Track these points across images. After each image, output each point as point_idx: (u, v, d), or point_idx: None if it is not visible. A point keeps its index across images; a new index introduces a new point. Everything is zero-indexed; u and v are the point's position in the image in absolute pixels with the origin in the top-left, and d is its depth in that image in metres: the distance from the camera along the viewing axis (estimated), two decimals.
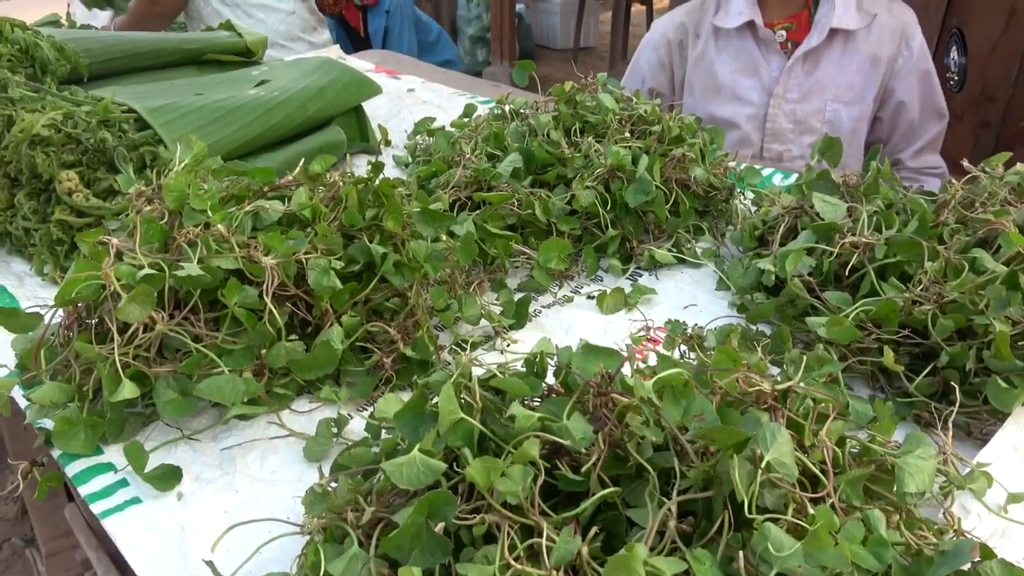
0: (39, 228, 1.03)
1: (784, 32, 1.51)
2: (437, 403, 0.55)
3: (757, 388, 0.57)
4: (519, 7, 6.64)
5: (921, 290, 0.74)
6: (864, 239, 0.78)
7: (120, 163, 1.04)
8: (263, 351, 0.71)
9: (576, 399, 0.57)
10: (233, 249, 0.72)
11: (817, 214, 0.87)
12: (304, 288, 0.76)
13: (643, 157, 1.03)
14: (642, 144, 1.10)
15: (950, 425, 0.64)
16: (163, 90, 1.28)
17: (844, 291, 0.81)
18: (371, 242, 0.80)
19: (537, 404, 0.61)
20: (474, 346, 0.84)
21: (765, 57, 1.52)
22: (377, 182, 0.83)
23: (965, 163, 0.95)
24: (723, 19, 1.52)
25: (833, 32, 1.46)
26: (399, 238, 0.82)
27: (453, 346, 0.83)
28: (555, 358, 0.64)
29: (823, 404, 0.59)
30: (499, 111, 1.28)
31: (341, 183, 0.83)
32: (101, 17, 2.62)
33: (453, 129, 1.27)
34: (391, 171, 1.34)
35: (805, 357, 0.65)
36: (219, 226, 0.73)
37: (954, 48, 3.20)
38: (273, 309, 0.69)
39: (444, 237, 0.88)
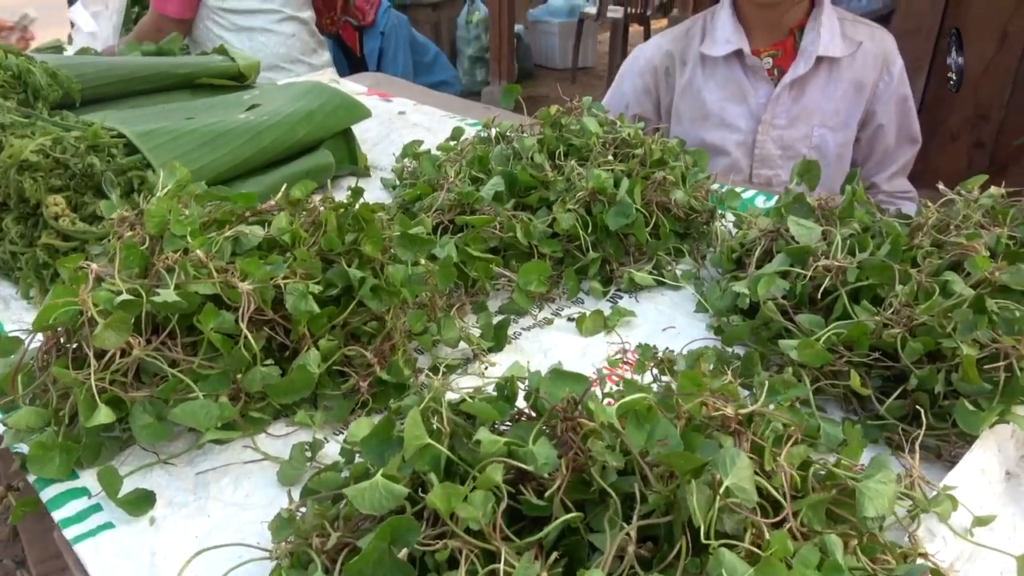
0: (25, 252, 1.05)
1: (770, 59, 1.53)
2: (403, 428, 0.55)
3: (721, 412, 0.57)
4: (518, 28, 6.71)
5: (892, 313, 0.74)
6: (837, 262, 0.79)
7: (107, 188, 1.05)
8: (239, 376, 0.72)
9: (543, 424, 0.58)
10: (211, 274, 0.73)
11: (792, 237, 0.88)
12: (282, 312, 0.77)
13: (624, 180, 1.04)
14: (624, 167, 1.12)
15: (917, 448, 0.65)
16: (154, 114, 1.30)
17: (818, 314, 0.82)
18: (350, 266, 0.81)
19: (507, 429, 0.62)
20: (451, 369, 0.85)
21: (752, 84, 1.54)
22: (357, 206, 0.85)
23: (941, 186, 0.96)
24: (710, 47, 1.54)
25: (819, 60, 1.48)
26: (378, 262, 0.83)
27: (428, 370, 0.84)
28: (526, 382, 0.64)
29: (792, 428, 0.59)
30: (485, 134, 1.29)
31: (321, 208, 0.84)
32: (101, 38, 2.66)
33: (439, 152, 1.28)
34: (379, 194, 1.35)
35: (769, 380, 0.66)
36: (198, 251, 0.75)
37: (953, 49, 3.23)
38: (248, 334, 0.70)
39: (424, 260, 0.89)
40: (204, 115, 1.33)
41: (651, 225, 1.04)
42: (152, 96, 1.45)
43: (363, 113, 1.45)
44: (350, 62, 3.87)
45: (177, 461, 0.73)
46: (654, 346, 0.85)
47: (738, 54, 1.52)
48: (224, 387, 0.70)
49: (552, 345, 0.92)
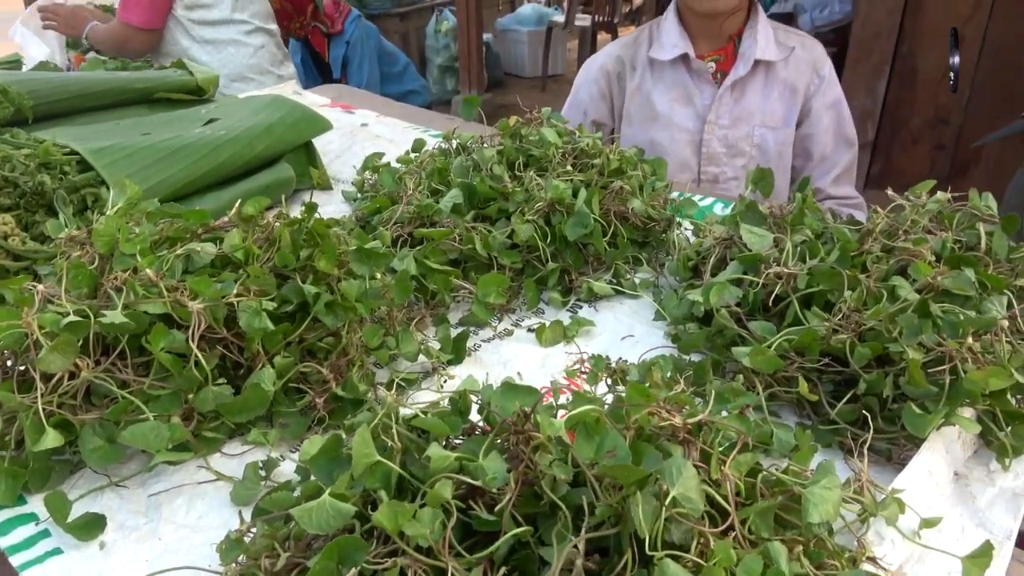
0: None
1: (713, 64, 1.63)
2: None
3: (669, 422, 0.58)
4: (487, 36, 6.73)
5: (841, 319, 0.76)
6: (788, 270, 0.80)
7: (59, 206, 1.04)
8: (191, 396, 0.71)
9: (494, 437, 0.58)
10: (161, 293, 0.72)
11: (745, 245, 0.89)
12: (235, 330, 0.76)
13: (582, 190, 1.05)
14: (583, 177, 1.13)
15: (866, 452, 0.66)
16: (109, 130, 1.29)
17: (770, 321, 0.83)
18: (304, 282, 0.81)
19: (460, 443, 0.62)
20: (409, 383, 0.85)
21: (698, 87, 1.64)
22: (311, 222, 0.84)
23: (889, 191, 0.98)
24: (658, 52, 1.63)
25: (757, 63, 1.59)
26: (334, 278, 0.83)
27: (382, 385, 0.83)
28: (479, 396, 0.64)
29: (739, 435, 0.60)
30: (445, 146, 1.29)
31: (275, 224, 0.84)
32: (59, 59, 2.62)
33: (399, 164, 1.28)
34: (341, 207, 1.35)
35: (718, 388, 0.67)
36: (148, 270, 0.74)
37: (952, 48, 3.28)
38: (199, 354, 0.69)
39: (381, 274, 0.89)
40: (161, 130, 1.32)
41: (609, 234, 1.05)
42: (107, 112, 1.43)
43: (324, 126, 1.45)
44: (318, 66, 3.86)
45: (129, 483, 0.72)
46: (607, 356, 0.86)
47: (684, 58, 1.62)
48: (176, 407, 0.70)
49: (511, 356, 0.92)
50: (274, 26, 2.83)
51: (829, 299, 0.82)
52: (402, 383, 0.85)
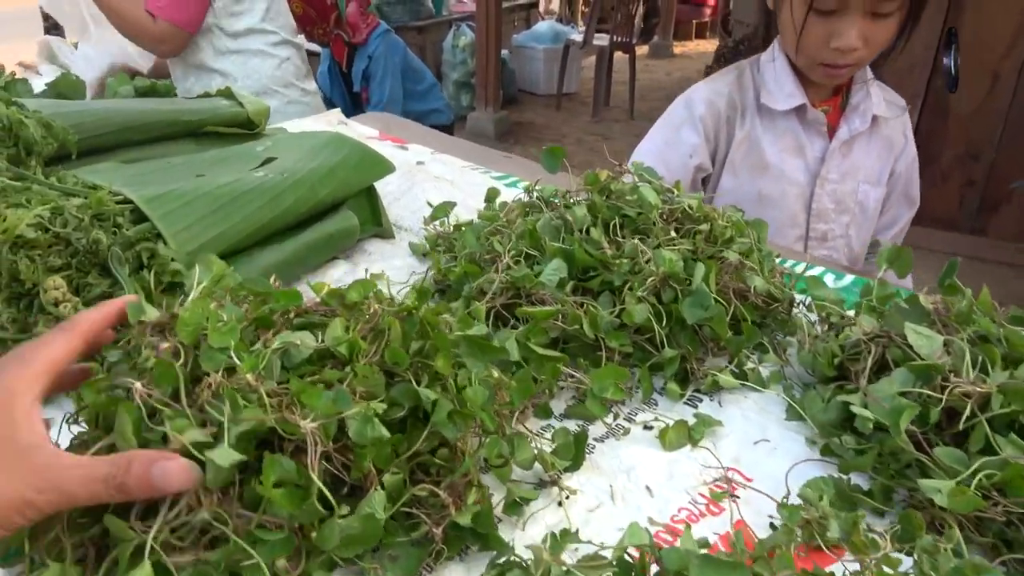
0: (19, 338, 0.91)
1: (823, 114, 1.52)
2: None
3: None
4: (503, 53, 6.65)
5: None
6: (979, 388, 0.70)
7: (115, 266, 0.92)
8: (312, 532, 0.60)
9: None
10: (264, 405, 0.61)
11: (909, 345, 0.78)
12: (343, 443, 0.65)
13: (699, 265, 0.94)
14: (690, 245, 1.02)
15: None
16: (160, 172, 1.17)
17: (946, 442, 0.72)
18: (417, 382, 0.70)
19: None
20: (525, 500, 0.73)
21: (809, 138, 1.53)
22: (423, 311, 0.73)
23: None
24: (772, 100, 1.50)
25: (874, 118, 1.50)
26: (447, 377, 0.72)
27: (505, 510, 0.72)
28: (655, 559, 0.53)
29: None
30: (528, 199, 1.19)
31: (382, 310, 0.73)
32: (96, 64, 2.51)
33: (481, 220, 1.17)
34: (408, 261, 1.23)
35: (952, 559, 0.56)
36: (247, 375, 0.62)
37: (952, 47, 3.21)
38: (321, 486, 0.58)
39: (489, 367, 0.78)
40: (215, 171, 1.21)
41: (729, 316, 0.94)
42: (153, 146, 1.32)
43: (387, 168, 1.34)
44: (344, 77, 3.78)
45: None
46: (800, 507, 0.72)
47: (799, 108, 1.50)
48: (287, 550, 0.58)
49: (633, 463, 0.81)
50: (300, 39, 2.74)
51: (1019, 420, 0.71)
52: (520, 500, 0.73)
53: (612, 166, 1.18)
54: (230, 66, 2.44)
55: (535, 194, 1.20)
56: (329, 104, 3.93)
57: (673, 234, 1.04)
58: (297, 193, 1.17)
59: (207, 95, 1.53)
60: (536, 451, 0.77)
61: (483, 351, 0.75)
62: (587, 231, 1.05)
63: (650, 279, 0.94)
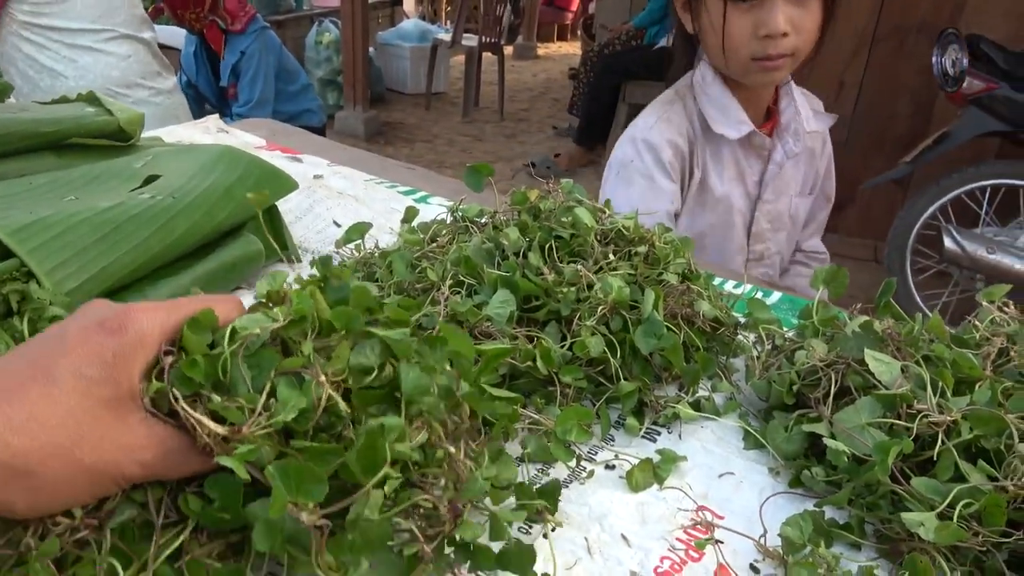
0: None
1: (767, 139, 1.50)
2: None
3: None
4: (369, 51, 6.45)
5: (1023, 479, 0.66)
6: (947, 418, 0.70)
7: None
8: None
9: None
10: None
11: (867, 371, 0.78)
12: None
13: (648, 292, 0.91)
14: (630, 269, 0.99)
15: None
16: (22, 194, 1.00)
17: (911, 469, 0.72)
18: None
19: None
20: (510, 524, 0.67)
21: (749, 164, 1.50)
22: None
23: (982, 300, 0.91)
24: (724, 128, 1.43)
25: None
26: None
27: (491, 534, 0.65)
28: None
29: None
30: (453, 220, 1.11)
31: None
32: None
33: (405, 243, 1.08)
34: None
35: None
36: None
37: (952, 47, 3.35)
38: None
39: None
40: (89, 193, 1.05)
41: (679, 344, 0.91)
42: (6, 162, 1.12)
43: (290, 186, 1.22)
44: (212, 64, 3.52)
45: None
46: (707, 510, 0.70)
47: (748, 135, 1.45)
48: None
49: (604, 510, 0.76)
50: (149, 34, 2.50)
51: (982, 445, 0.72)
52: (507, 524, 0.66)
53: (538, 182, 1.13)
54: (56, 66, 2.22)
55: (459, 214, 1.13)
56: (194, 91, 3.64)
57: (612, 257, 1.00)
58: (192, 217, 1.03)
59: (65, 99, 1.34)
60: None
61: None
62: (523, 255, 0.99)
63: (600, 308, 0.89)
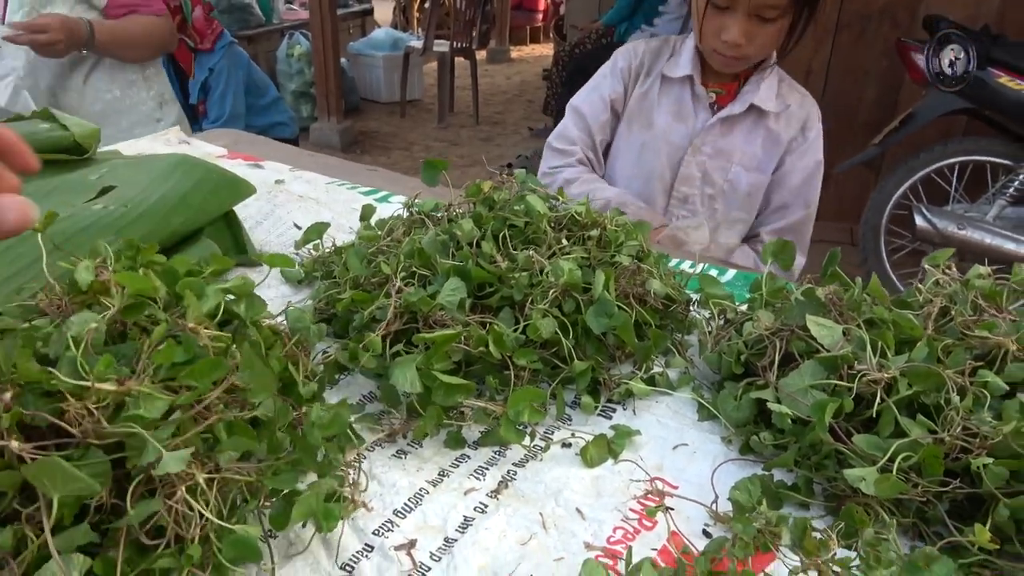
0: None
1: (714, 95, 1.67)
2: None
3: None
4: (342, 61, 6.46)
5: (958, 430, 0.68)
6: (884, 374, 0.72)
7: None
8: None
9: None
10: None
11: (811, 336, 0.80)
12: None
13: (598, 273, 0.92)
14: (583, 253, 1.00)
15: None
16: None
17: (855, 427, 0.74)
18: None
19: None
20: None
21: (695, 110, 1.68)
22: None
23: (926, 264, 0.93)
24: (671, 69, 1.70)
25: (751, 107, 1.62)
26: None
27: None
28: None
29: None
30: (410, 215, 1.12)
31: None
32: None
33: (360, 240, 1.09)
34: (281, 290, 1.13)
35: (892, 549, 0.56)
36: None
37: (952, 46, 3.34)
38: None
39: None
40: (41, 206, 1.04)
41: (632, 322, 0.93)
42: None
43: (247, 190, 1.22)
44: (181, 84, 3.52)
45: None
46: (661, 479, 0.72)
47: (690, 80, 1.68)
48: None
49: (560, 486, 0.77)
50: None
51: (923, 401, 0.74)
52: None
53: (493, 174, 1.15)
54: None
55: (415, 209, 1.14)
56: None
57: (564, 242, 1.02)
58: (147, 225, 1.04)
59: (19, 117, 1.34)
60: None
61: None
62: (477, 245, 1.00)
63: (551, 291, 0.90)
